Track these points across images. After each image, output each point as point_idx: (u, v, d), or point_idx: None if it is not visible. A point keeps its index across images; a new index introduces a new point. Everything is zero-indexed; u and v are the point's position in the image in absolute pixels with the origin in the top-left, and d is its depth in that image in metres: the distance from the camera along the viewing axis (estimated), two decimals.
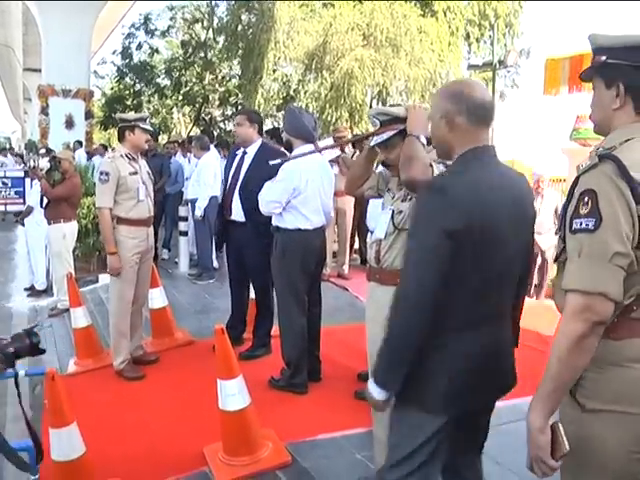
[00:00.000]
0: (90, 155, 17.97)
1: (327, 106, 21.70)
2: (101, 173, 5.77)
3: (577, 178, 2.05)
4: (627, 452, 1.99)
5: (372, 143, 3.55)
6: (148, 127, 6.11)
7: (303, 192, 5.16)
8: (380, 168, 4.08)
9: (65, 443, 3.84)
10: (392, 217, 3.43)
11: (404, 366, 2.41)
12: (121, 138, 6.02)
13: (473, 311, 2.43)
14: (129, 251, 5.80)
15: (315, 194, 5.28)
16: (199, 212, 9.25)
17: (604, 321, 1.92)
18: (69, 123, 21.56)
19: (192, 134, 23.95)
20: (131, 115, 6.55)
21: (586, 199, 1.95)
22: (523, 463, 2.13)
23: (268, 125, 25.44)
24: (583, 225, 1.95)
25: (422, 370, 2.43)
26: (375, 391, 2.46)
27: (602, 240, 1.91)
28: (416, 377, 2.44)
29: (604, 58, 2.15)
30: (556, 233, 2.17)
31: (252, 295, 6.45)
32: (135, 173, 5.87)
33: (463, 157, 2.45)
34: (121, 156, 5.86)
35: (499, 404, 2.77)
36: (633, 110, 2.10)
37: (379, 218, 3.58)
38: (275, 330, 5.90)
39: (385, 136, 3.35)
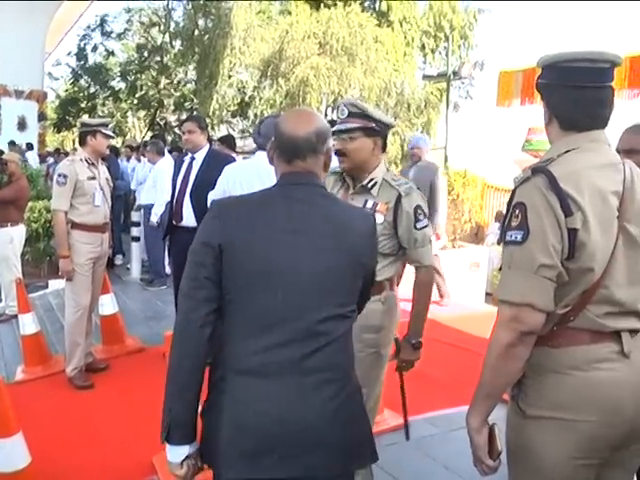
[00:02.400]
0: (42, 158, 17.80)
1: (282, 113, 21.80)
2: (59, 175, 5.74)
3: (513, 191, 2.10)
4: (568, 458, 2.03)
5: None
6: (110, 133, 6.08)
7: (232, 194, 5.17)
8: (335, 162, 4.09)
9: (9, 453, 3.76)
10: None
11: (179, 413, 2.10)
12: (82, 142, 5.97)
13: (259, 350, 2.05)
14: (83, 256, 5.74)
15: None
16: (155, 218, 9.15)
17: (533, 331, 1.98)
18: (22, 125, 21.28)
19: (146, 139, 23.84)
20: (94, 120, 6.53)
21: (517, 212, 2.02)
22: (472, 468, 2.18)
23: (223, 131, 25.45)
24: (513, 237, 2.01)
25: (207, 414, 2.15)
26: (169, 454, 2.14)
27: (529, 252, 1.97)
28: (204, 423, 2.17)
29: (536, 77, 2.26)
30: (498, 243, 2.22)
31: None
32: (93, 178, 5.84)
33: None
34: (80, 160, 5.82)
35: (449, 410, 2.75)
36: (558, 125, 2.17)
37: None
38: None
39: (349, 126, 3.37)
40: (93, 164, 5.91)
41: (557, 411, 2.03)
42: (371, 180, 3.39)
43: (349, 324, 2.18)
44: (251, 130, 22.17)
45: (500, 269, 2.13)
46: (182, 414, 2.09)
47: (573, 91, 2.11)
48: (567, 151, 2.08)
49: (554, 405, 2.04)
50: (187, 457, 2.11)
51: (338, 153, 3.39)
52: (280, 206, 2.15)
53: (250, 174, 5.16)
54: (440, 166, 14.72)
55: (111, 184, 6.26)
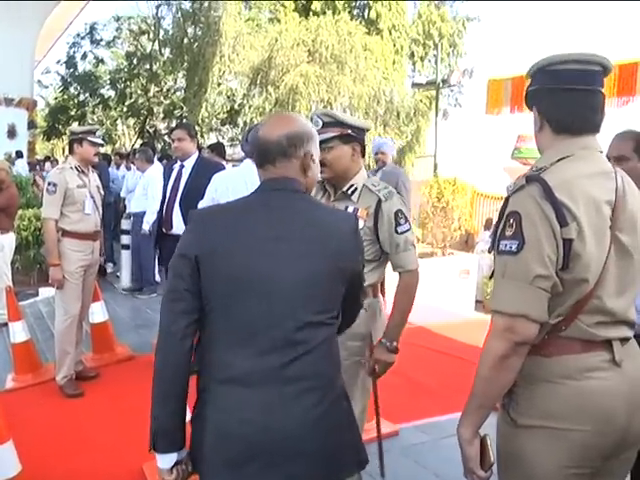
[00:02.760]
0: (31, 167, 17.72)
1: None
2: (49, 184, 5.74)
3: (507, 199, 2.08)
4: (560, 468, 2.02)
5: None
6: (97, 140, 6.03)
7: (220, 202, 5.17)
8: None
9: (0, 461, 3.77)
10: None
11: (166, 419, 2.12)
12: (71, 150, 5.98)
13: (240, 359, 2.04)
14: (73, 264, 5.73)
15: None
16: (147, 226, 9.11)
17: (527, 341, 1.96)
18: (11, 133, 21.16)
19: (136, 147, 23.79)
20: (80, 128, 6.51)
21: (511, 221, 1.99)
22: (463, 476, 2.17)
23: (212, 139, 25.45)
24: (507, 247, 1.99)
25: (193, 423, 2.16)
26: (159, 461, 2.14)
27: (524, 263, 1.95)
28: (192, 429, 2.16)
29: (526, 87, 2.26)
30: (489, 251, 2.20)
31: None
32: (83, 186, 5.83)
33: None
34: (70, 168, 5.82)
35: (439, 418, 2.72)
36: (551, 130, 2.16)
37: None
38: None
39: (325, 136, 3.37)
40: (83, 172, 5.90)
41: (548, 420, 2.02)
42: (351, 186, 3.40)
43: (330, 331, 2.15)
44: (241, 138, 22.18)
45: (490, 277, 2.12)
46: (167, 422, 2.11)
47: (563, 94, 2.11)
48: (559, 159, 2.07)
49: (545, 414, 2.03)
50: (177, 463, 2.11)
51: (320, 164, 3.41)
52: (260, 213, 2.13)
53: (238, 182, 5.17)
54: (430, 173, 14.64)
55: (102, 192, 6.25)
